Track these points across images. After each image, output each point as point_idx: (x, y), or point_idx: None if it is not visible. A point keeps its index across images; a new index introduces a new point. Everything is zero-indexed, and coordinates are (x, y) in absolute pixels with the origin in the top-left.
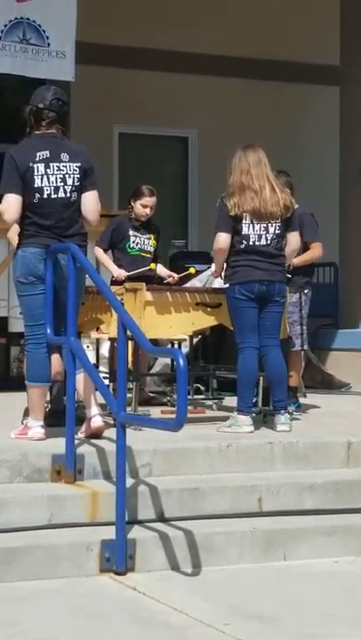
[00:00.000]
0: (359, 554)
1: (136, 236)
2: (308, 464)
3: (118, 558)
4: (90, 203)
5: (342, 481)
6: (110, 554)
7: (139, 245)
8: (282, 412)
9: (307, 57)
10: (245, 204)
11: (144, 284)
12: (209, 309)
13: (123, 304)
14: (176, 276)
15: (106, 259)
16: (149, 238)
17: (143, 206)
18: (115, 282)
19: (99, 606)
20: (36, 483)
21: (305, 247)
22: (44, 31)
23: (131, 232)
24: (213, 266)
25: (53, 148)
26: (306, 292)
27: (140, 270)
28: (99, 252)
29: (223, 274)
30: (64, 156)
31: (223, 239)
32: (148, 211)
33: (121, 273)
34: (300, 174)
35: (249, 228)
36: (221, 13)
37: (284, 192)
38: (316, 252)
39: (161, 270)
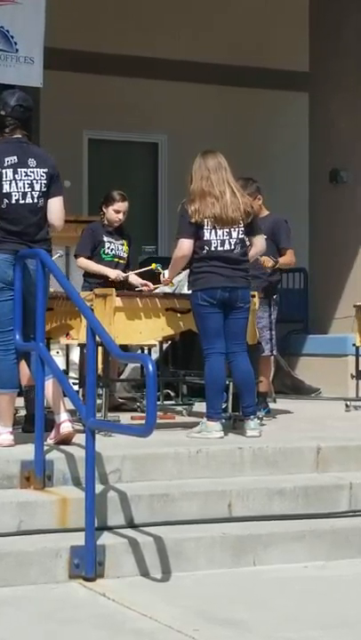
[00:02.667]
0: (328, 559)
1: (110, 242)
2: (278, 469)
3: (88, 564)
4: (56, 209)
5: (312, 486)
6: (80, 560)
7: (113, 251)
8: (251, 417)
9: (277, 63)
10: (206, 210)
11: (114, 289)
12: (178, 315)
13: (92, 310)
14: (151, 285)
15: (94, 264)
16: (123, 244)
17: (116, 212)
18: (112, 283)
19: (69, 613)
20: (4, 489)
21: (279, 253)
22: (12, 37)
23: (105, 238)
24: (167, 272)
25: (21, 154)
26: (274, 297)
27: (141, 270)
28: (83, 260)
29: (186, 280)
30: (31, 162)
31: (186, 246)
32: (120, 216)
33: (119, 274)
34: (270, 180)
35: (211, 233)
36: (192, 19)
37: (245, 197)
38: (289, 258)
39: (134, 279)
